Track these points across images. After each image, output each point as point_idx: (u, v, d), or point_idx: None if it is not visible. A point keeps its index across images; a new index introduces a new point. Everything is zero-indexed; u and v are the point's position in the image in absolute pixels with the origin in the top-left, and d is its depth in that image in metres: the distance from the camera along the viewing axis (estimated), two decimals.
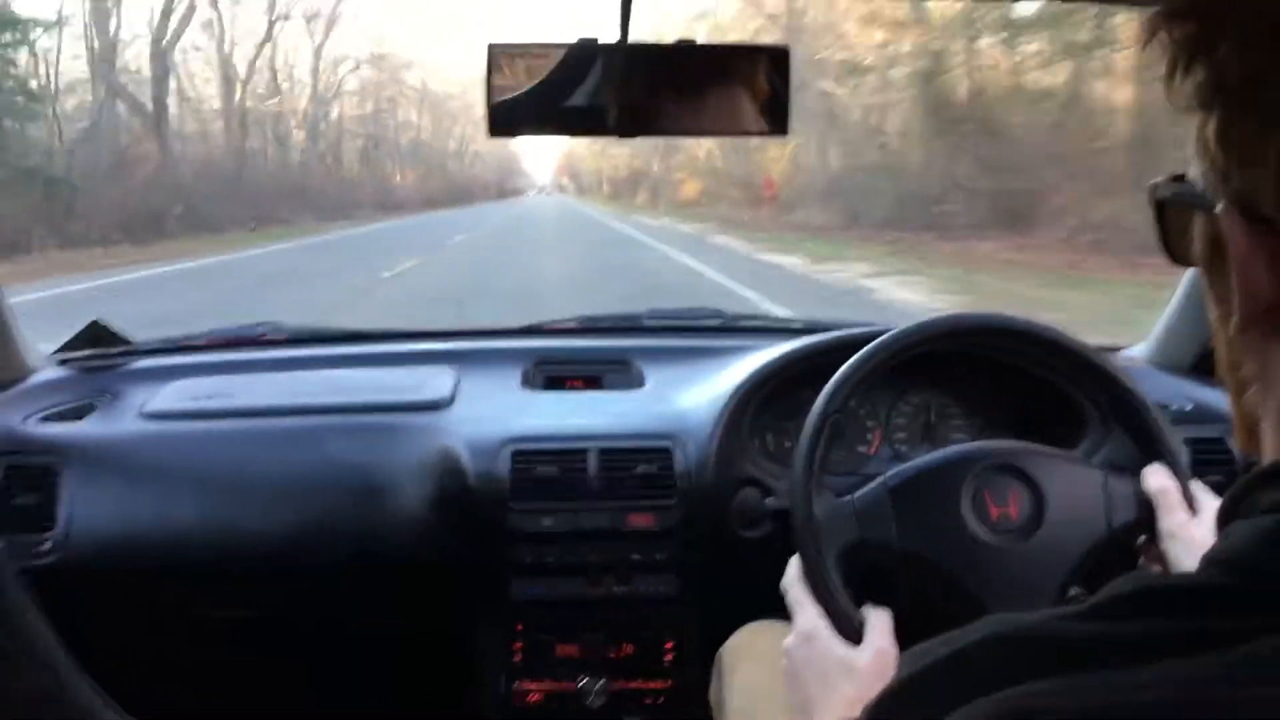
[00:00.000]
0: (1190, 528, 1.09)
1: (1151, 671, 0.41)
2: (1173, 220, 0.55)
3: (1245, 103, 0.46)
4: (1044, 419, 1.43)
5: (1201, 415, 1.59)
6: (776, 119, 1.08)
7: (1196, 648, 0.41)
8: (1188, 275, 1.73)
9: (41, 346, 1.85)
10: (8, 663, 0.48)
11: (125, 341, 1.91)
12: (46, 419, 1.64)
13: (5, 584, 0.50)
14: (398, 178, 52.61)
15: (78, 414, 1.67)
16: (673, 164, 43.06)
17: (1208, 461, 1.42)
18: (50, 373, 1.80)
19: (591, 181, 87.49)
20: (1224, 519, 0.50)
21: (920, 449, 1.24)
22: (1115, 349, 1.88)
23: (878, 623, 1.06)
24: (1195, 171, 0.52)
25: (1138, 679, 0.41)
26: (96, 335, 1.89)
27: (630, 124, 1.12)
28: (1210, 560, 0.48)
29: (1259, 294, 0.48)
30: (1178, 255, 0.55)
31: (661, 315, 2.07)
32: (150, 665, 1.62)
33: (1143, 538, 1.15)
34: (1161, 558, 1.12)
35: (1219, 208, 0.49)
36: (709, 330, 2.01)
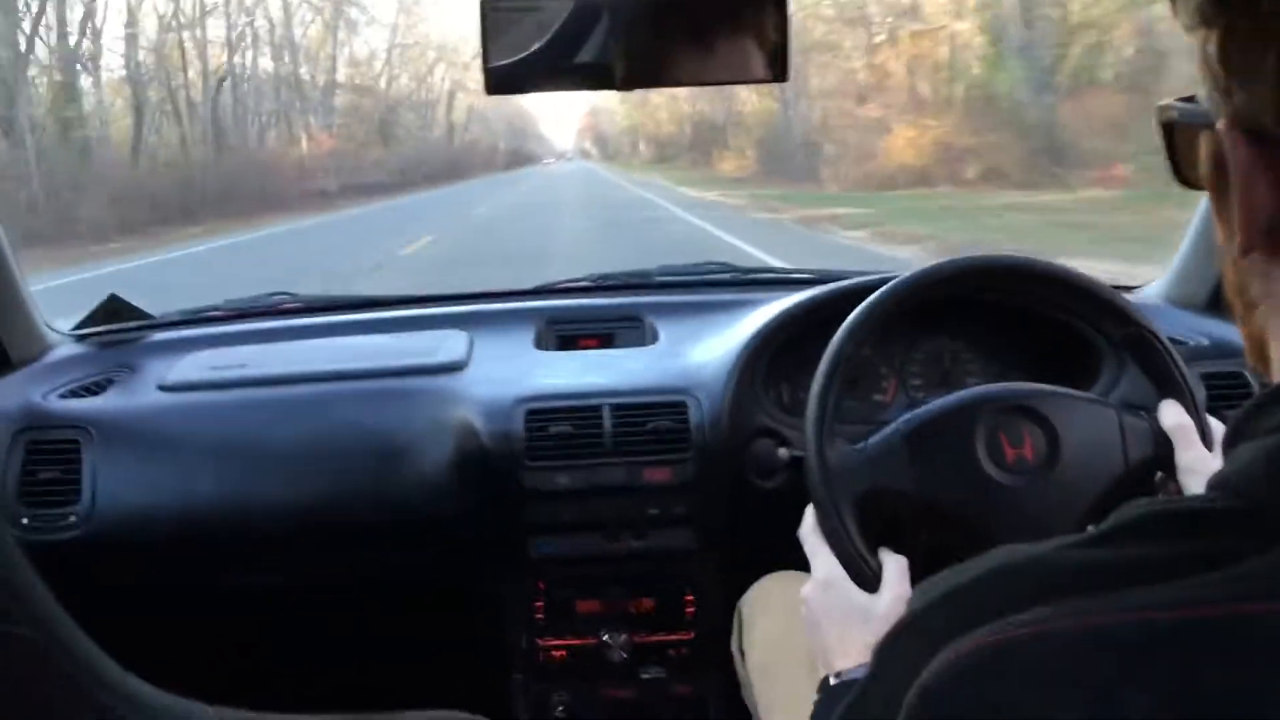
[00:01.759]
0: (1208, 462, 1.09)
1: (1153, 592, 0.41)
2: (1180, 141, 0.54)
3: (1245, 17, 0.46)
4: (1059, 360, 1.42)
5: (1218, 351, 1.58)
6: (778, 65, 1.07)
7: (1199, 568, 0.41)
8: (1201, 210, 1.71)
9: (59, 323, 1.87)
10: (36, 654, 0.48)
11: (142, 315, 1.92)
12: (66, 395, 1.65)
13: (29, 578, 0.51)
14: (371, 153, 38.34)
15: (97, 388, 1.68)
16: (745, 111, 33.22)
17: (1226, 396, 1.41)
18: (68, 349, 1.81)
19: (622, 144, 75.90)
20: (1230, 442, 0.50)
21: (936, 395, 1.24)
22: (1130, 288, 1.87)
23: (895, 569, 1.06)
24: (1201, 92, 0.51)
25: (1139, 599, 0.41)
26: (113, 310, 1.91)
27: (634, 77, 1.11)
28: (1215, 484, 0.47)
29: (1261, 212, 0.48)
30: (1185, 177, 0.55)
31: (672, 271, 2.06)
32: (177, 634, 1.65)
33: (1160, 474, 1.14)
34: (1180, 493, 1.11)
35: (1220, 126, 0.49)
36: (719, 284, 2.01)
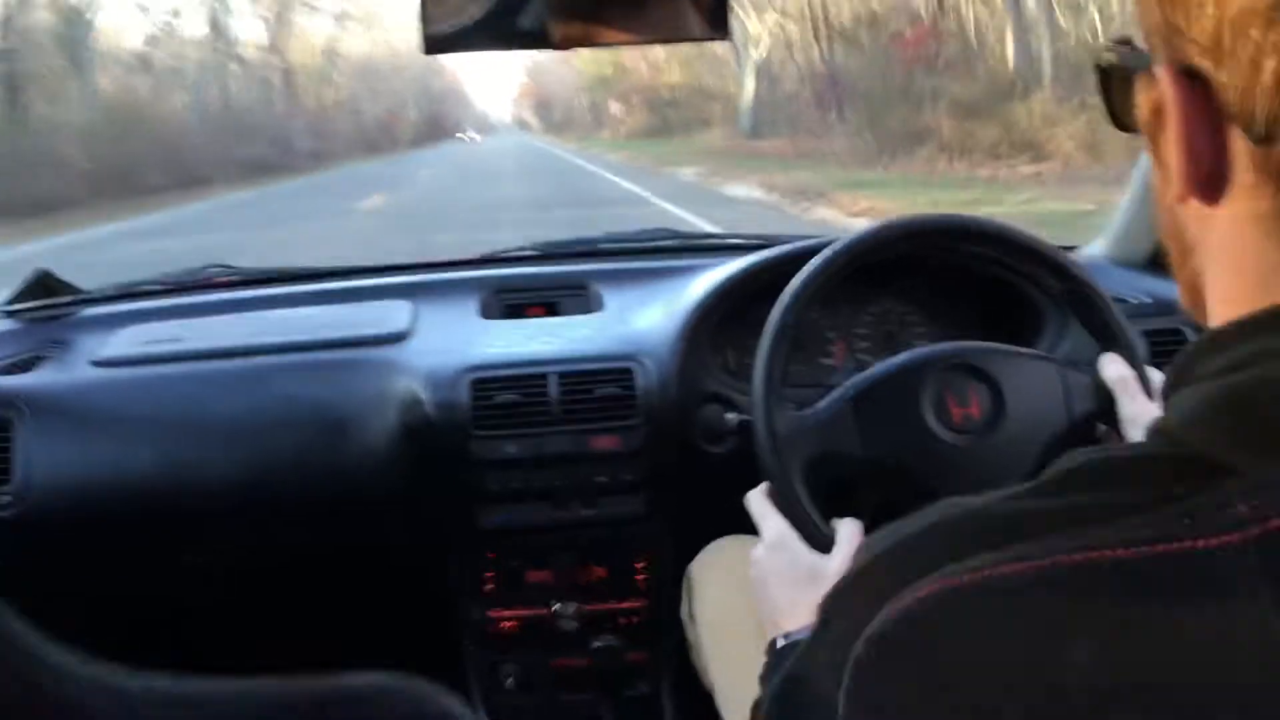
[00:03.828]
0: (1151, 412, 1.10)
1: (1094, 534, 0.41)
2: (1117, 86, 0.54)
3: None
4: (1004, 319, 1.43)
5: (1159, 308, 1.60)
6: (718, 21, 1.06)
7: (1139, 513, 0.41)
8: (1140, 169, 1.72)
9: None
10: None
11: (74, 290, 1.87)
12: None
13: None
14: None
15: (28, 365, 1.64)
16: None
17: (1166, 352, 1.43)
18: None
19: (575, 109, 60.16)
20: (1168, 390, 0.50)
21: (883, 358, 1.25)
22: (1072, 246, 1.89)
23: (847, 530, 1.06)
24: (1138, 35, 0.51)
25: (1080, 541, 0.41)
26: (44, 285, 1.85)
27: (573, 36, 1.10)
28: (1153, 430, 0.48)
29: (1198, 157, 0.47)
30: (1123, 122, 0.54)
31: (617, 239, 2.05)
32: (118, 612, 1.62)
33: (1103, 426, 1.16)
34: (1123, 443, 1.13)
35: (1158, 69, 0.48)
36: (665, 251, 2.00)
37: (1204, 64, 0.45)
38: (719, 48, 28.44)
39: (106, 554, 1.58)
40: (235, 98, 34.10)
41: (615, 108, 49.03)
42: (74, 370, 1.61)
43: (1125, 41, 0.52)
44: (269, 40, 37.92)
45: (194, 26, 32.64)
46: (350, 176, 25.00)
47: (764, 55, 27.33)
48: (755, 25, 26.51)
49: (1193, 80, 0.46)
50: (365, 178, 23.55)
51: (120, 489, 1.50)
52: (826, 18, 23.98)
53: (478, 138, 59.89)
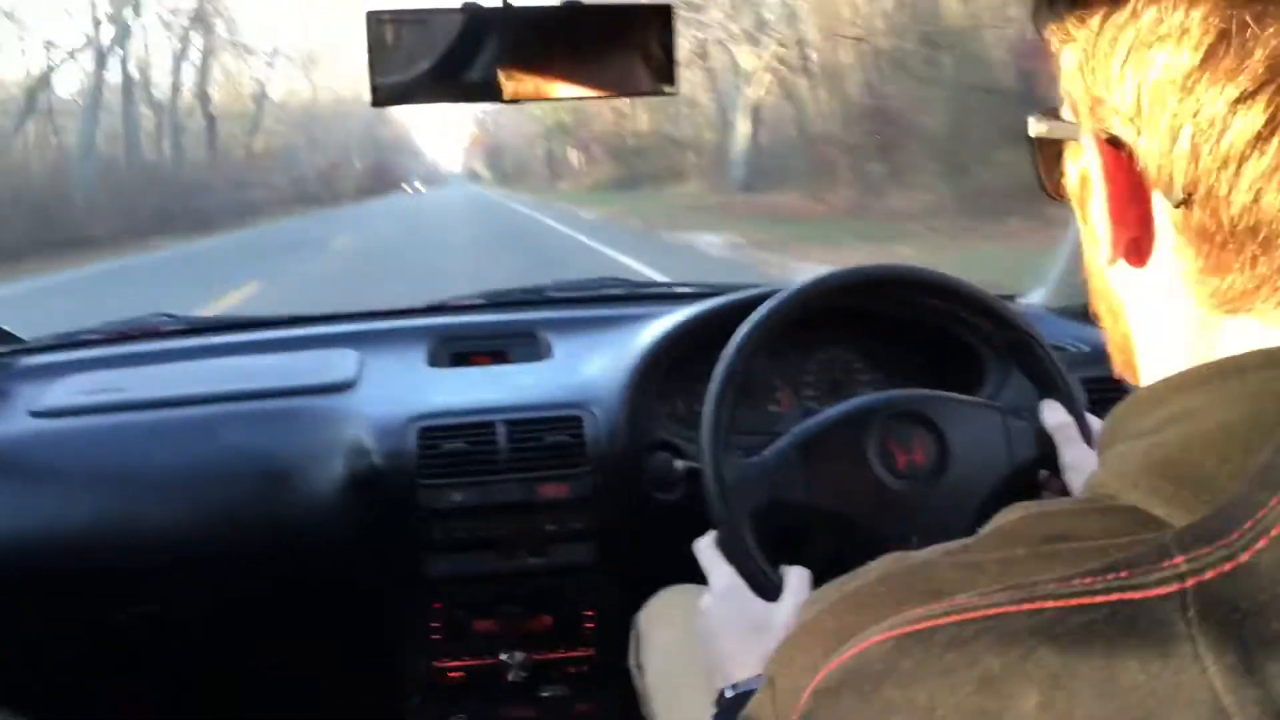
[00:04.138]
0: (1090, 459, 1.12)
1: (1036, 586, 0.42)
2: (1047, 154, 0.56)
3: (1103, 31, 0.47)
4: (947, 367, 1.46)
5: (1096, 356, 1.62)
6: (665, 76, 1.08)
7: (1075, 564, 0.42)
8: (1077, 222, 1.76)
9: None
10: None
11: (12, 339, 1.84)
12: None
13: None
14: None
15: None
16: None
17: (1105, 400, 1.45)
18: None
19: (530, 159, 54.86)
20: (1104, 446, 0.51)
21: (830, 404, 1.26)
22: (1011, 296, 1.92)
23: (796, 579, 1.07)
24: (1065, 106, 0.53)
25: (1023, 593, 0.42)
26: None
27: (521, 90, 1.11)
28: (1089, 485, 0.49)
29: (1123, 221, 0.49)
30: (1053, 190, 0.56)
31: (565, 287, 2.06)
32: (54, 668, 1.58)
33: (1044, 473, 1.18)
34: (1064, 490, 1.15)
35: (1083, 137, 0.50)
36: (614, 299, 2.01)
37: (1126, 132, 0.47)
38: (693, 91, 26.08)
39: (42, 610, 1.55)
40: (143, 147, 30.08)
41: (575, 157, 44.31)
42: (11, 421, 1.58)
43: (1053, 112, 0.54)
44: (193, 84, 34.06)
45: (99, 67, 27.03)
46: (249, 243, 19.98)
47: (763, 93, 23.52)
48: (749, 59, 22.78)
49: (1116, 148, 0.48)
50: (265, 246, 18.87)
51: (57, 542, 1.47)
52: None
53: (422, 189, 53.94)
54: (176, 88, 32.83)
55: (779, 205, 18.46)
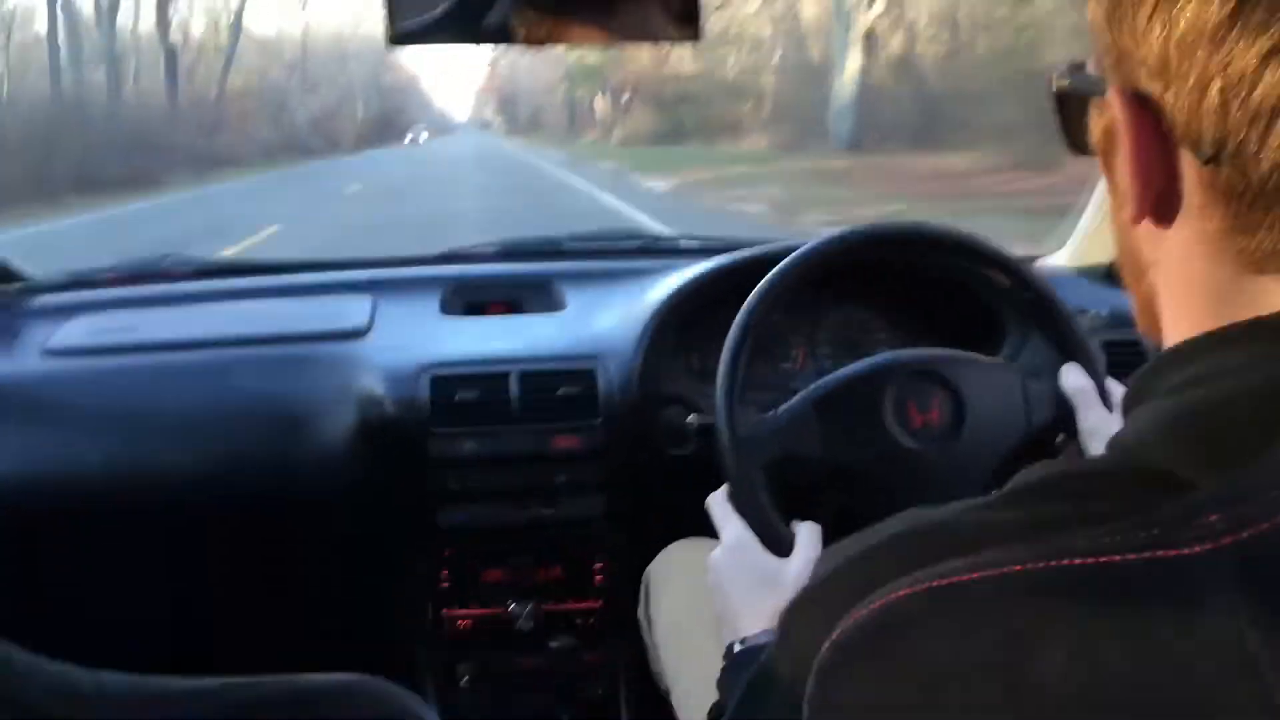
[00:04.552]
0: (1109, 423, 1.11)
1: (1064, 540, 0.41)
2: (1071, 109, 0.55)
3: None
4: (966, 327, 1.44)
5: (1117, 320, 1.62)
6: (689, 23, 1.05)
7: (1102, 523, 0.42)
8: (1102, 182, 1.74)
9: None
10: None
11: (23, 278, 1.84)
12: None
13: None
14: None
15: None
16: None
17: (1125, 363, 1.44)
18: None
19: (546, 107, 50.53)
20: (1128, 406, 0.50)
21: (845, 363, 1.25)
22: (1034, 257, 1.90)
23: (807, 534, 1.06)
24: (1090, 59, 0.52)
25: (1051, 547, 0.41)
26: None
27: (541, 33, 1.09)
28: (1114, 445, 0.48)
29: (1149, 179, 0.48)
30: (1077, 145, 0.55)
31: (582, 238, 2.04)
32: (64, 604, 1.59)
33: (1062, 436, 1.17)
34: (1082, 454, 1.14)
35: (1110, 93, 0.49)
36: (630, 252, 1.99)
37: (1153, 87, 0.46)
38: (751, 27, 23.62)
39: (53, 549, 1.56)
40: (81, 86, 24.38)
41: (601, 105, 38.10)
42: (24, 360, 1.58)
43: (1079, 66, 0.53)
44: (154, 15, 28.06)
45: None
46: (176, 208, 16.07)
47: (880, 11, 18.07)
48: None
49: (1143, 103, 0.47)
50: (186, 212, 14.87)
51: (70, 482, 1.48)
52: None
53: (423, 137, 46.40)
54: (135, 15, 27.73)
55: (946, 169, 13.34)
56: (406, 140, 43.44)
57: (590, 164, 23.33)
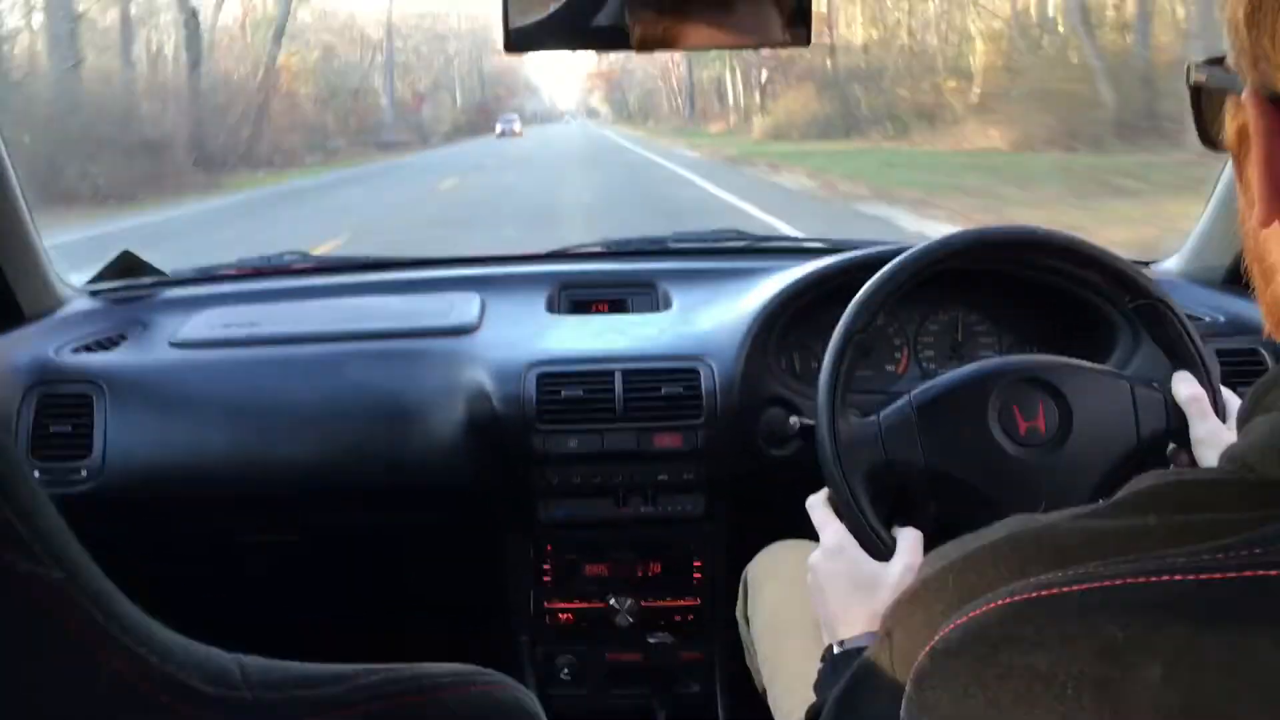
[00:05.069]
0: (1222, 434, 1.09)
1: (1168, 557, 0.41)
2: (1206, 104, 0.54)
3: None
4: (1074, 333, 1.42)
5: (1234, 327, 1.57)
6: (801, 27, 1.06)
7: (1207, 538, 0.41)
8: (1221, 184, 1.69)
9: (72, 278, 1.87)
10: (23, 551, 0.48)
11: (156, 272, 1.92)
12: (79, 350, 1.66)
13: (24, 475, 0.51)
14: None
15: (110, 344, 1.69)
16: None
17: (1241, 373, 1.40)
18: (81, 304, 1.82)
19: (651, 96, 45.78)
20: (1245, 416, 0.49)
21: (948, 366, 1.24)
22: (1147, 262, 1.86)
23: (909, 539, 1.06)
24: (1230, 57, 0.51)
25: (1155, 564, 0.41)
26: (127, 266, 1.91)
27: (653, 39, 1.10)
28: (1229, 456, 0.47)
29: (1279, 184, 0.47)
30: (1210, 140, 0.54)
31: (686, 238, 2.05)
32: (188, 586, 1.66)
33: (1173, 446, 1.14)
34: (1194, 465, 1.11)
35: (1245, 92, 0.48)
36: (734, 252, 2.00)
37: None
38: None
39: (179, 532, 1.62)
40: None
41: (731, 88, 30.53)
42: (154, 351, 1.66)
43: (1217, 61, 0.52)
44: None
45: None
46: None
47: None
48: None
49: (1278, 106, 0.46)
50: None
51: (195, 469, 1.54)
52: None
53: (516, 129, 37.83)
54: None
55: None
56: (497, 132, 37.13)
57: (739, 170, 16.77)
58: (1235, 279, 1.69)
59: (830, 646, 0.99)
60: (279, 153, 20.39)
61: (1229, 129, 0.51)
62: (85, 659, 0.50)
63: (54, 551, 0.49)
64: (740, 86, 30.23)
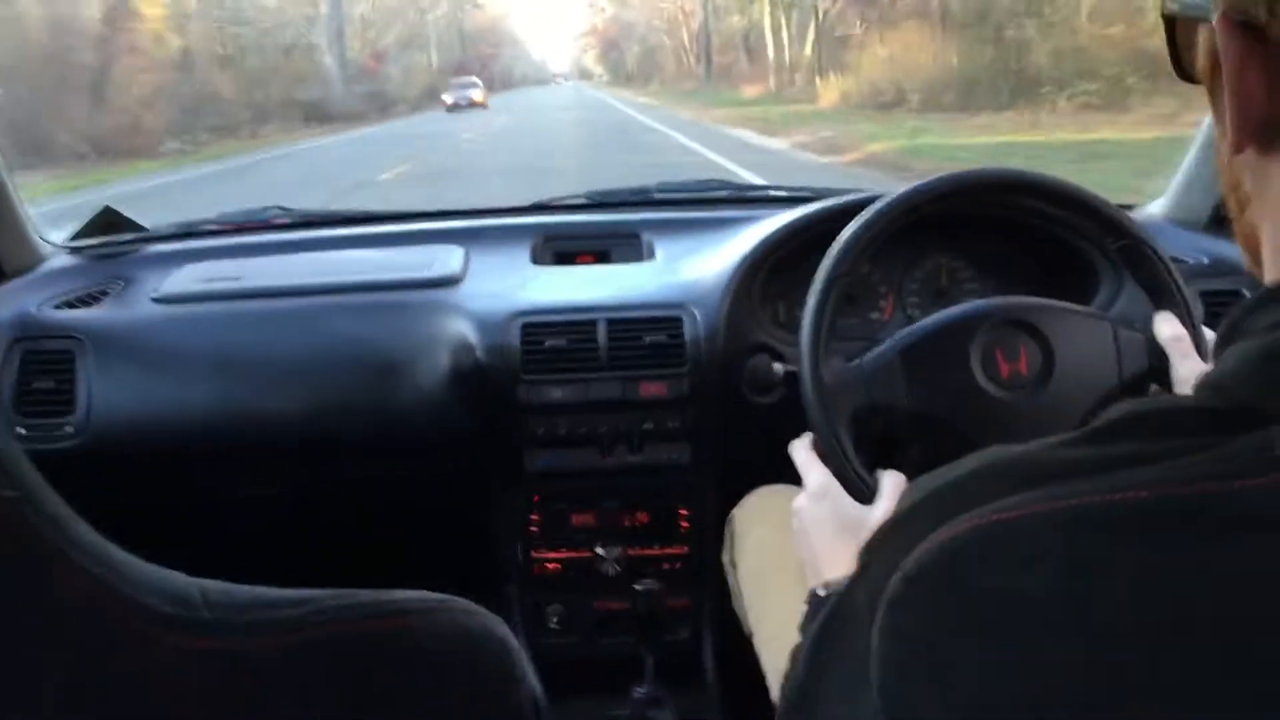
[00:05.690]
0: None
1: (1134, 474, 0.41)
2: (1180, 34, 0.54)
3: None
4: (1058, 275, 1.42)
5: (1217, 269, 1.57)
6: None
7: (1176, 458, 0.42)
8: (1203, 129, 1.69)
9: (52, 235, 1.85)
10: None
11: (136, 228, 1.91)
12: (60, 305, 1.65)
13: (7, 441, 0.51)
14: None
15: (91, 299, 1.68)
16: None
17: (1223, 313, 1.41)
18: (62, 260, 1.81)
19: (654, 54, 41.31)
20: (1221, 345, 0.50)
21: (933, 312, 1.24)
22: (1131, 206, 1.86)
23: (891, 482, 1.07)
24: None
25: (1122, 480, 0.41)
26: (107, 222, 1.89)
27: None
28: (1204, 384, 0.48)
29: (1252, 107, 0.47)
30: (1185, 71, 0.54)
31: (670, 188, 2.04)
32: (175, 543, 1.66)
33: (1155, 387, 1.15)
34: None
35: (1214, 17, 0.48)
36: (718, 201, 1.99)
37: (1258, 15, 0.45)
38: None
39: (165, 487, 1.63)
40: None
41: (775, 37, 24.15)
42: (135, 306, 1.65)
43: None
44: None
45: None
46: None
47: None
48: None
49: (1247, 31, 0.46)
50: None
51: (179, 423, 1.54)
52: None
53: (477, 97, 30.04)
54: None
55: None
56: (447, 104, 29.37)
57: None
58: (1219, 222, 1.69)
59: (815, 589, 1.00)
60: (119, 136, 14.21)
61: (1201, 57, 0.51)
62: (41, 577, 0.51)
63: (6, 469, 0.49)
64: (788, 35, 24.04)
